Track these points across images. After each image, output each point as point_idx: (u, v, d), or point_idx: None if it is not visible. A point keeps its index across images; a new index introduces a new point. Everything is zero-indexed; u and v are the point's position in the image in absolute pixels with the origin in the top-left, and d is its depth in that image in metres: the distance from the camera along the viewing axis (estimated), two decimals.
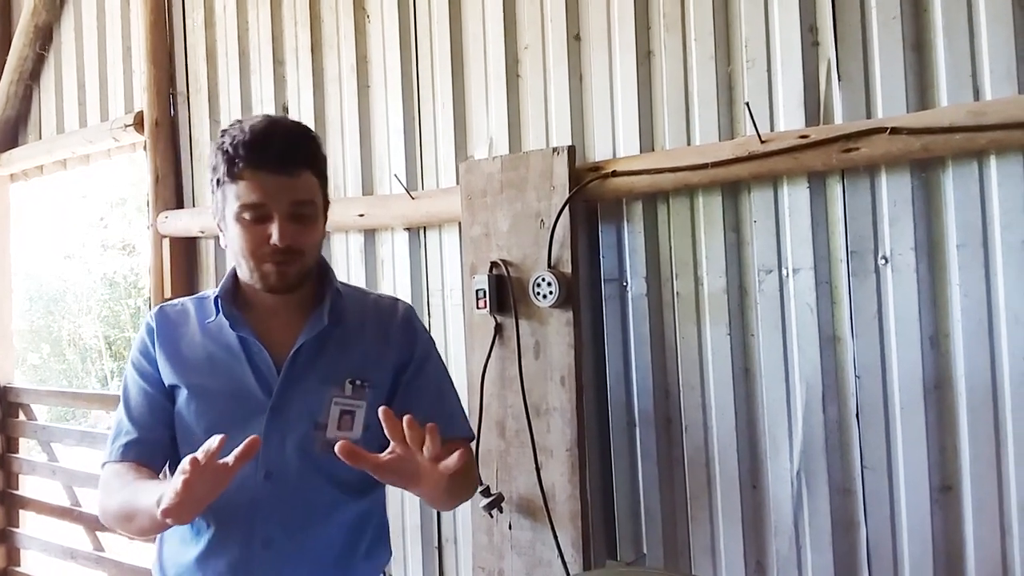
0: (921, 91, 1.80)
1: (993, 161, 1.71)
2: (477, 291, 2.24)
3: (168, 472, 1.49)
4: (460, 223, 2.39)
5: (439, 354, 1.62)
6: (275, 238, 1.34)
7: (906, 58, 1.80)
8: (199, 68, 3.25)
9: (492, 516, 2.25)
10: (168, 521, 1.15)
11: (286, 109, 2.93)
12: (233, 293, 1.47)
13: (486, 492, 2.23)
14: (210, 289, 1.57)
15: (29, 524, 4.14)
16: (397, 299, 1.62)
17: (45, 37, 3.88)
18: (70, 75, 3.80)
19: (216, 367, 1.44)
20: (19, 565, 4.13)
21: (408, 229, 2.63)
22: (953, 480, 1.78)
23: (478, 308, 2.24)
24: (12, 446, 4.14)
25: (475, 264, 2.29)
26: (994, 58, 1.70)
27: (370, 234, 2.73)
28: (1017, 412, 1.70)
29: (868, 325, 1.86)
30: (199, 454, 1.14)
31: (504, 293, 2.22)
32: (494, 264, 2.24)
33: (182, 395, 1.44)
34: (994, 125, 1.64)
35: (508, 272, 2.22)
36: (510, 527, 2.23)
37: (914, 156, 1.75)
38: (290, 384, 1.42)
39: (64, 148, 3.75)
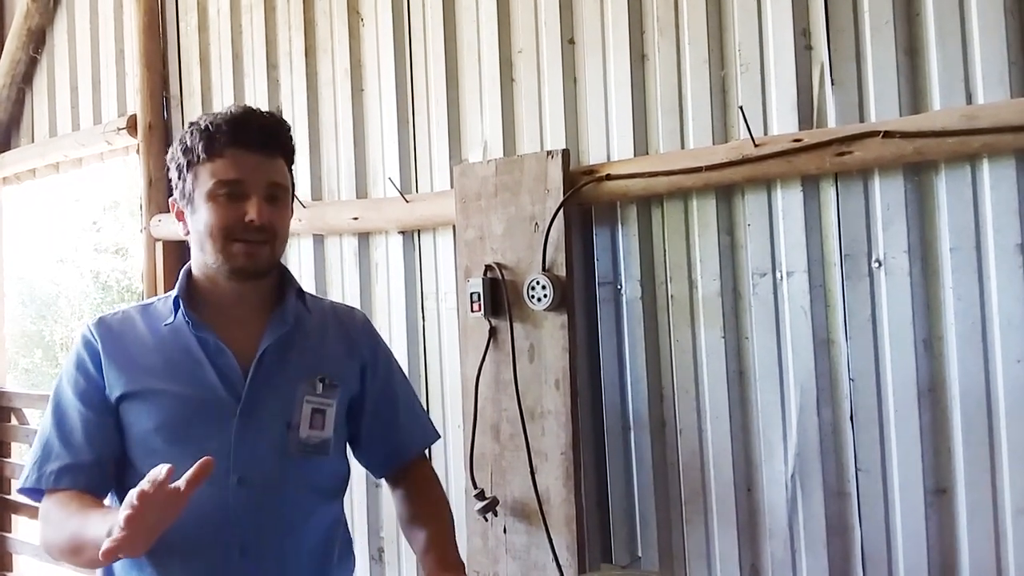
0: (914, 95, 1.80)
1: (986, 165, 1.72)
2: (471, 294, 2.24)
3: (114, 497, 1.40)
4: (454, 226, 2.39)
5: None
6: (252, 214, 1.32)
7: (899, 62, 1.81)
8: (192, 71, 3.25)
9: (487, 520, 2.24)
10: (120, 555, 1.11)
11: (280, 112, 2.93)
12: (190, 293, 1.42)
13: (480, 496, 2.23)
14: (154, 297, 1.52)
15: (21, 529, 4.12)
16: (353, 308, 1.65)
17: (38, 40, 3.87)
18: (63, 78, 3.79)
19: (176, 372, 1.36)
20: (11, 570, 4.11)
21: (402, 232, 2.62)
22: (947, 483, 1.79)
23: (472, 311, 2.24)
24: (4, 450, 4.12)
25: (469, 267, 2.29)
26: (986, 62, 1.71)
27: (364, 237, 2.73)
28: (1011, 415, 1.70)
29: (862, 328, 1.86)
30: (146, 484, 1.07)
31: (498, 296, 2.22)
32: (488, 267, 2.24)
33: (136, 406, 1.35)
34: (986, 129, 1.65)
35: (502, 275, 2.21)
36: (505, 531, 2.22)
37: (907, 160, 1.76)
38: (259, 385, 1.37)
39: (57, 151, 3.74)
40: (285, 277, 1.49)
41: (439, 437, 1.66)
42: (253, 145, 1.35)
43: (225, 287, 1.40)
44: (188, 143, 1.37)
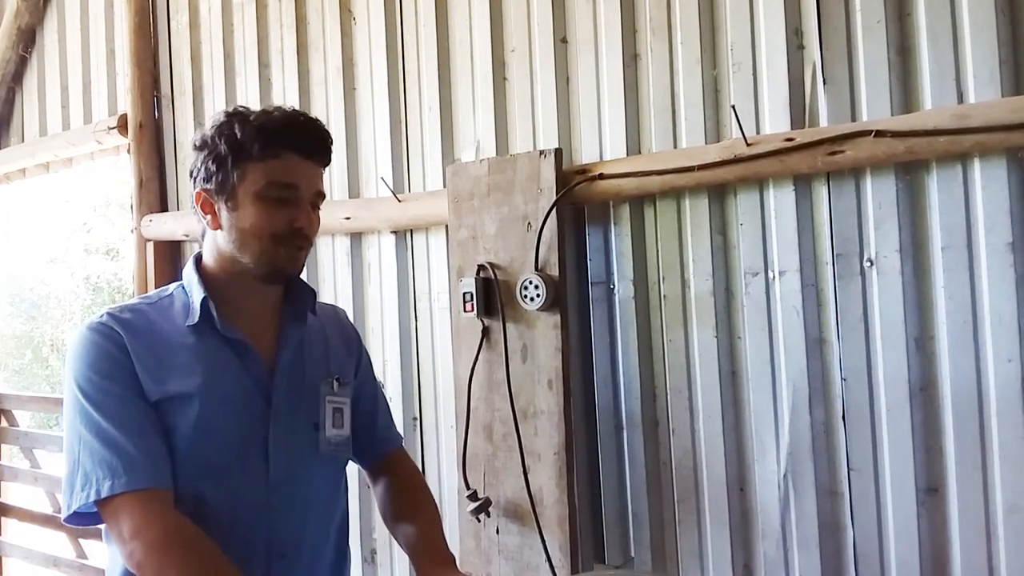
0: (905, 94, 1.81)
1: (977, 164, 1.72)
2: (464, 294, 2.23)
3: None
4: (447, 226, 2.38)
5: None
6: (302, 222, 1.32)
7: (890, 61, 1.81)
8: (184, 71, 3.24)
9: (479, 521, 2.24)
10: None
11: None
12: (210, 294, 1.34)
13: (473, 496, 2.22)
14: (154, 292, 1.42)
15: (11, 531, 4.10)
16: (334, 304, 1.67)
17: (28, 39, 3.85)
18: (53, 77, 3.77)
19: (209, 374, 1.29)
20: (1, 573, 4.08)
21: (395, 232, 2.62)
22: (939, 482, 1.79)
23: (465, 311, 2.24)
24: None
25: (462, 267, 2.28)
26: (978, 61, 1.71)
27: (356, 237, 2.72)
28: (1002, 414, 1.71)
29: (854, 327, 1.86)
30: None
31: (491, 296, 2.22)
32: (481, 267, 2.24)
33: (172, 410, 1.26)
34: (978, 128, 1.65)
35: (495, 275, 2.21)
36: (497, 532, 2.22)
37: (899, 159, 1.76)
38: (287, 385, 1.36)
39: (47, 151, 3.72)
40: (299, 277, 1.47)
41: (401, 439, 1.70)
42: (310, 152, 1.34)
43: (249, 285, 1.35)
44: (239, 136, 1.29)
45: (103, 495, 1.17)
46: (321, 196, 1.38)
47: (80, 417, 1.22)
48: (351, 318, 1.74)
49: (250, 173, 1.30)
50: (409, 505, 1.54)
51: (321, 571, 1.42)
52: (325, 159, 1.38)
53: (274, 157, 1.30)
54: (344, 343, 1.54)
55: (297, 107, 2.76)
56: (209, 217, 1.34)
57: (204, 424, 1.26)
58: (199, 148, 1.34)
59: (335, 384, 1.44)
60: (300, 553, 1.36)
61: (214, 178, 1.32)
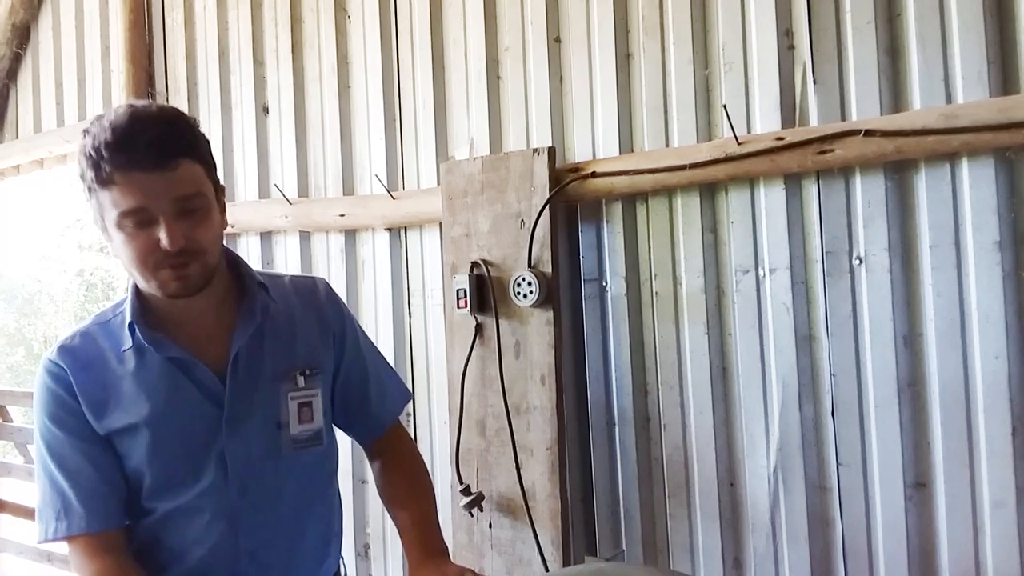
0: (895, 94, 1.83)
1: (965, 163, 1.74)
2: (458, 291, 2.25)
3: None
4: (441, 223, 2.40)
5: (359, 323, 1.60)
6: (165, 242, 1.18)
7: (880, 62, 1.83)
8: (178, 68, 3.24)
9: (472, 515, 2.26)
10: None
11: (266, 110, 2.93)
12: (143, 311, 1.30)
13: (466, 491, 2.24)
14: (110, 307, 1.38)
15: (5, 527, 4.10)
16: (313, 277, 1.54)
17: (22, 36, 3.85)
18: (48, 74, 3.77)
19: (153, 398, 1.28)
20: None
21: (389, 229, 2.63)
22: (927, 477, 1.81)
23: (459, 308, 2.25)
24: None
25: (456, 264, 2.30)
26: (966, 62, 1.73)
27: (351, 234, 2.73)
28: (989, 410, 1.73)
29: (843, 324, 1.88)
30: None
31: (485, 293, 2.23)
32: (475, 264, 2.25)
33: (122, 441, 1.28)
34: (966, 128, 1.67)
35: (489, 272, 2.22)
36: (490, 526, 2.24)
37: (888, 158, 1.78)
38: (239, 390, 1.32)
39: (41, 147, 3.72)
40: (239, 270, 1.39)
41: (411, 396, 1.61)
42: (144, 165, 1.16)
43: (175, 304, 1.28)
44: (80, 167, 1.21)
45: (50, 537, 1.28)
46: (190, 198, 1.20)
47: (38, 458, 1.31)
48: None
49: (103, 203, 1.20)
50: (404, 490, 1.51)
51: (300, 564, 1.40)
52: (170, 160, 1.18)
53: (111, 184, 1.16)
54: (317, 326, 1.45)
55: (292, 104, 2.82)
56: (109, 245, 1.28)
57: (156, 449, 1.28)
58: None
59: (300, 378, 1.38)
60: (273, 549, 1.36)
61: (91, 208, 1.26)
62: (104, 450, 1.29)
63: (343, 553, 1.56)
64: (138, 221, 1.18)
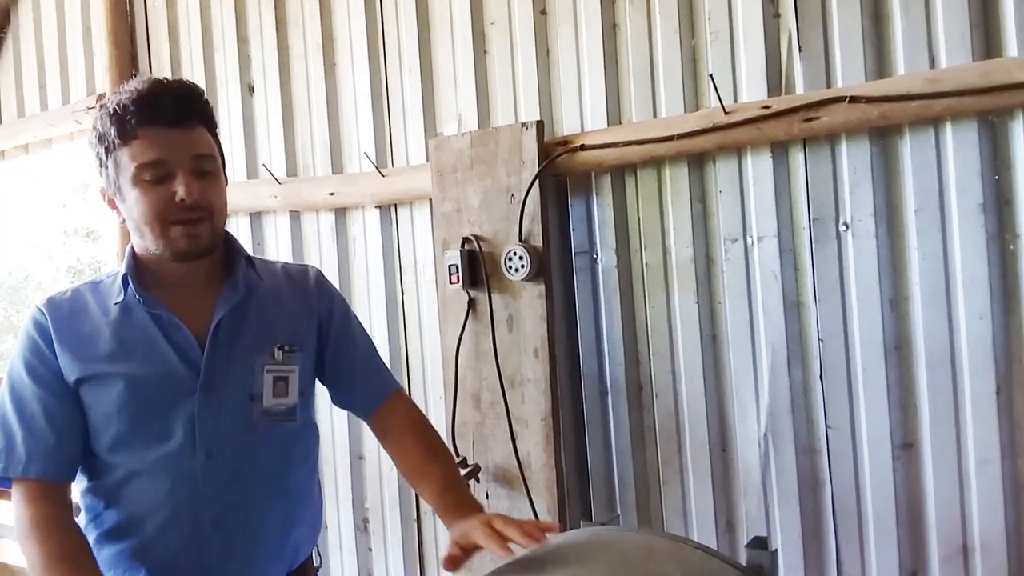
0: (879, 60, 1.84)
1: (948, 127, 1.76)
2: (450, 267, 2.26)
3: (81, 479, 1.38)
4: (431, 199, 2.40)
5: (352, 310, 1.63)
6: (182, 194, 1.26)
7: (864, 28, 1.84)
8: (161, 47, 3.21)
9: (469, 486, 2.28)
10: None
11: (251, 88, 2.91)
12: (138, 271, 1.36)
13: (463, 463, 2.27)
14: (102, 274, 1.45)
15: (4, 513, 4.11)
16: (306, 265, 1.60)
17: (3, 19, 3.79)
18: (29, 57, 3.72)
19: (132, 351, 1.33)
20: None
21: (379, 207, 2.63)
22: (914, 437, 1.85)
23: (451, 283, 2.26)
24: None
25: (447, 240, 2.31)
26: (949, 26, 1.75)
27: (341, 213, 2.74)
28: (974, 371, 1.77)
29: (830, 290, 1.91)
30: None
31: (476, 268, 2.25)
32: (466, 239, 2.26)
33: (94, 389, 1.33)
34: (949, 92, 1.69)
35: (480, 247, 2.24)
36: (487, 496, 2.27)
37: (873, 124, 1.80)
38: (217, 358, 1.36)
39: (25, 132, 3.68)
40: (232, 246, 1.46)
41: (398, 383, 1.64)
42: (167, 120, 1.28)
43: (172, 267, 1.35)
44: (101, 129, 1.30)
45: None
46: (205, 158, 1.32)
47: (1, 395, 1.36)
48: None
49: (121, 161, 1.29)
50: (418, 459, 1.50)
51: (263, 539, 1.41)
52: (190, 120, 1.31)
53: (133, 138, 1.27)
54: (301, 301, 1.50)
55: (277, 83, 2.80)
56: (115, 212, 1.36)
57: (127, 400, 1.32)
58: (89, 149, 1.36)
59: (278, 353, 1.41)
60: (236, 520, 1.37)
61: (102, 175, 1.34)
62: (65, 407, 1.32)
63: (331, 545, 1.57)
64: (156, 175, 1.27)
